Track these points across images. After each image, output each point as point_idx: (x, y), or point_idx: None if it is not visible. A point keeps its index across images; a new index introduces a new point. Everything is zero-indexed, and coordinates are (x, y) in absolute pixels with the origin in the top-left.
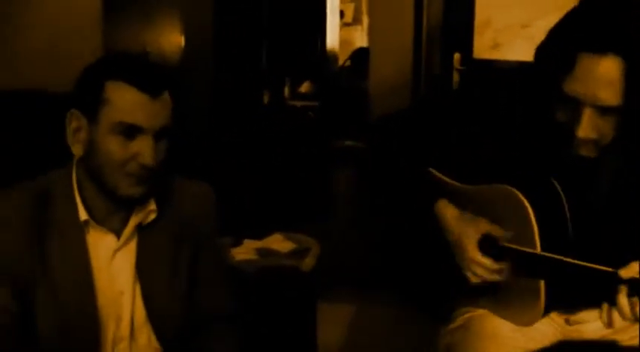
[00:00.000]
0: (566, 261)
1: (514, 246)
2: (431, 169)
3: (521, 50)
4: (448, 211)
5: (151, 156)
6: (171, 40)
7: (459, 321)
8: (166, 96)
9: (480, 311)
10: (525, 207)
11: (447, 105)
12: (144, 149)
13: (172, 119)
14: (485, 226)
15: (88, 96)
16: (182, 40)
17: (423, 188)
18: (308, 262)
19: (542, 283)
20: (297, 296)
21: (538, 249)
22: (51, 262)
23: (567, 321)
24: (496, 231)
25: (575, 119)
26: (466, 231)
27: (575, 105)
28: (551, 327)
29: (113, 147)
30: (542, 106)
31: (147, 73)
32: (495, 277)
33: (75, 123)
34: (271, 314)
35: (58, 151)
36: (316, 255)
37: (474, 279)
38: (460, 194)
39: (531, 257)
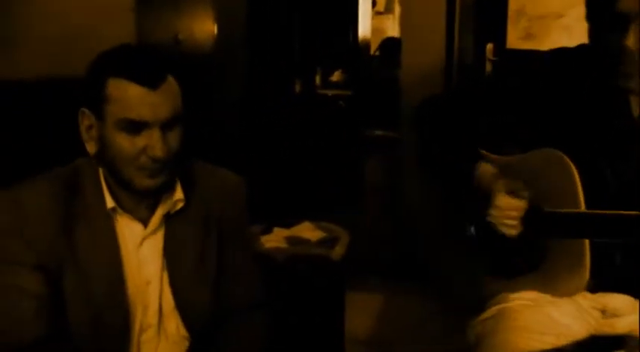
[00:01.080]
0: (610, 214)
1: (556, 210)
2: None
3: (555, 40)
4: (485, 168)
5: (160, 149)
6: (204, 28)
7: (491, 312)
8: (169, 84)
9: (512, 304)
10: (569, 166)
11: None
12: (152, 142)
13: (182, 104)
14: (515, 184)
15: (92, 95)
16: (215, 29)
17: (466, 156)
18: (337, 251)
19: (587, 247)
20: (326, 285)
21: (582, 208)
22: (80, 250)
23: (604, 313)
24: (518, 185)
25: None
26: (497, 182)
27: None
28: (583, 322)
29: (121, 143)
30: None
31: (144, 66)
32: (521, 214)
33: (86, 121)
34: (300, 303)
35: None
36: (346, 244)
37: (507, 230)
38: (503, 167)
39: (576, 216)
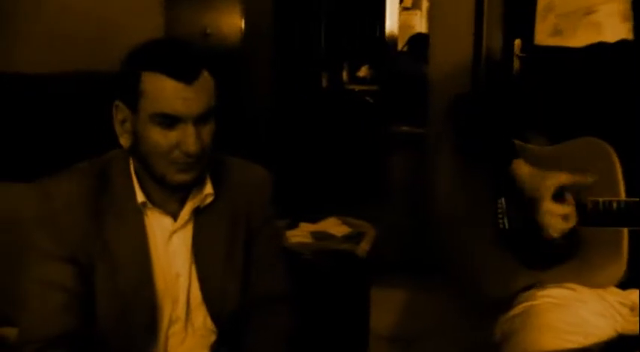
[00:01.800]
0: None
1: (597, 198)
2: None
3: (583, 37)
4: (523, 169)
5: (193, 144)
6: (232, 22)
7: (519, 309)
8: (203, 79)
9: (540, 302)
10: (609, 153)
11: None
12: (185, 137)
13: (215, 99)
14: (563, 176)
15: (127, 88)
16: (242, 23)
17: (501, 156)
18: (363, 247)
19: (624, 236)
20: (351, 281)
21: (622, 196)
22: (110, 243)
23: (632, 310)
24: (573, 178)
25: None
26: (541, 183)
27: None
28: (611, 320)
29: (155, 137)
30: None
31: (180, 60)
32: (569, 224)
33: (120, 114)
34: (324, 298)
35: (114, 131)
36: (371, 240)
37: (552, 233)
38: (539, 157)
39: (618, 205)
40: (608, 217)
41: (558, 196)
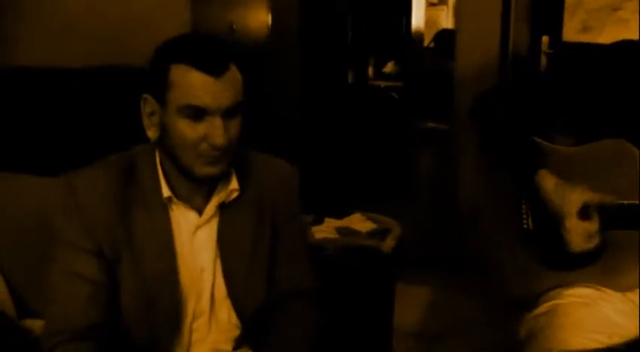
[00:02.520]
0: None
1: (622, 201)
2: (534, 138)
3: (612, 33)
4: (548, 182)
5: (221, 137)
6: (259, 18)
7: (544, 308)
8: (232, 73)
9: (566, 301)
10: (636, 156)
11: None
12: (213, 130)
13: (243, 93)
14: (586, 194)
15: (156, 81)
16: (269, 19)
17: (525, 158)
18: (388, 243)
19: None
20: (376, 277)
21: None
22: (136, 237)
23: None
24: (597, 197)
25: None
26: (567, 200)
27: None
28: (635, 321)
29: (183, 129)
30: None
31: (209, 54)
32: (593, 243)
33: (149, 107)
34: (349, 294)
35: (140, 125)
36: (397, 237)
37: (575, 249)
38: (564, 158)
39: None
40: (632, 220)
41: (583, 212)
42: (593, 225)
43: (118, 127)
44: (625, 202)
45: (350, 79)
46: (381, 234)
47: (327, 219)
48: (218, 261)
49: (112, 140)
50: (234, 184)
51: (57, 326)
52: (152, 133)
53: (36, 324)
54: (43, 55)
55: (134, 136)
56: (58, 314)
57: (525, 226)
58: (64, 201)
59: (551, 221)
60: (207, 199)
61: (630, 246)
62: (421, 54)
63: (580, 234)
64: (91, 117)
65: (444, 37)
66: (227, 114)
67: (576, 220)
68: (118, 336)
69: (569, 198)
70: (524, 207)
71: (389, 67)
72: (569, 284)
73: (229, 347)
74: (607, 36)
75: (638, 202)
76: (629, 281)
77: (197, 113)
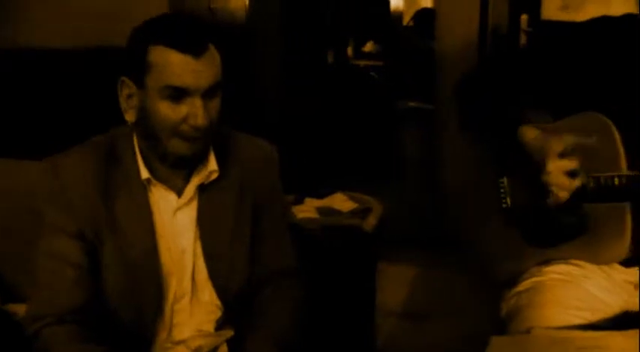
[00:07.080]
0: None
1: (599, 174)
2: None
3: (592, 11)
4: (530, 132)
5: (202, 117)
6: None
7: (525, 285)
8: (211, 53)
9: (546, 278)
10: (610, 128)
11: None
12: (194, 110)
13: (222, 74)
14: (567, 136)
15: (133, 63)
16: None
17: (508, 119)
18: (370, 222)
19: (628, 212)
20: (358, 256)
21: (624, 170)
22: (117, 218)
23: (636, 287)
24: (578, 139)
25: None
26: (548, 143)
27: None
28: (617, 297)
29: (163, 111)
30: None
31: (188, 34)
32: (576, 182)
33: (126, 90)
34: (331, 273)
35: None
36: (378, 216)
37: (559, 193)
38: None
39: (619, 180)
40: (610, 193)
41: (564, 155)
42: (573, 163)
43: (103, 109)
44: (601, 175)
45: (330, 59)
46: (362, 213)
47: (307, 199)
48: (198, 243)
49: (97, 122)
50: (212, 166)
51: (41, 310)
52: (130, 116)
53: (20, 309)
54: (25, 36)
55: (117, 118)
56: (43, 297)
57: (505, 205)
58: (48, 184)
59: (532, 184)
60: (186, 181)
61: (609, 219)
62: (401, 33)
63: (562, 172)
64: (76, 99)
65: (424, 15)
66: (207, 94)
67: (557, 160)
68: (104, 318)
69: (550, 142)
70: (501, 185)
71: (368, 47)
72: (549, 262)
73: (212, 328)
74: (586, 14)
75: (614, 174)
76: (608, 255)
77: (177, 94)
